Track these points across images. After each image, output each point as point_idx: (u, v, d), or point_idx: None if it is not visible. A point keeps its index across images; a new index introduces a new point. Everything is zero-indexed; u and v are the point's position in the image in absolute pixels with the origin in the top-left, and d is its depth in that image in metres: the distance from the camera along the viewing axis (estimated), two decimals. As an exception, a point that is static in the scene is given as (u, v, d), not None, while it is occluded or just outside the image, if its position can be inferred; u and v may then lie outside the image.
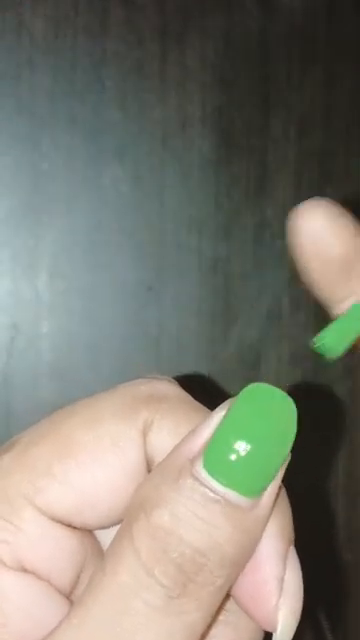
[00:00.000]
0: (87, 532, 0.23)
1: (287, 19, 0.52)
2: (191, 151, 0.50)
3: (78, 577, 0.22)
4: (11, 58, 0.48)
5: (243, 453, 0.19)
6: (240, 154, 0.51)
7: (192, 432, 0.20)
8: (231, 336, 0.51)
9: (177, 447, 0.20)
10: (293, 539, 0.21)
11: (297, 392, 0.57)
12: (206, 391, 0.50)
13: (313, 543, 0.52)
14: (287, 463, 0.20)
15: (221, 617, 0.22)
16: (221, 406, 0.20)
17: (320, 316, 0.53)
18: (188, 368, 0.51)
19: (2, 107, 0.48)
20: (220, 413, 0.20)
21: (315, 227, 0.22)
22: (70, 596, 0.22)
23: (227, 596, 0.21)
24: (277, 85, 0.52)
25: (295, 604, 0.21)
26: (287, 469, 0.20)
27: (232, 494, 0.19)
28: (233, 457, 0.19)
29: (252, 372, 0.51)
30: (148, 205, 0.50)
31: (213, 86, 0.51)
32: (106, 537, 0.23)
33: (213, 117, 0.51)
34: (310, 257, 0.22)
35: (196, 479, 0.19)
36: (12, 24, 0.48)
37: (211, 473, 0.19)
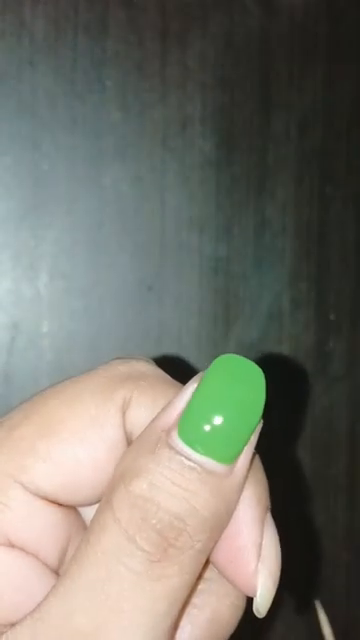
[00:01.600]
0: (72, 509, 0.24)
1: (288, 19, 0.52)
2: (192, 151, 0.50)
3: (64, 552, 0.23)
4: (11, 58, 0.48)
5: (216, 421, 0.20)
6: (241, 154, 0.51)
7: (167, 405, 0.21)
8: (231, 336, 0.51)
9: (153, 420, 0.21)
10: (269, 506, 0.22)
11: (297, 392, 0.57)
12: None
13: (313, 543, 0.52)
14: (259, 429, 0.21)
15: (202, 586, 0.23)
16: (193, 378, 0.21)
17: (320, 316, 0.54)
18: (188, 368, 0.51)
19: (2, 107, 0.48)
20: (193, 385, 0.21)
21: None
22: (58, 570, 0.23)
23: (207, 564, 0.22)
24: (278, 85, 0.52)
25: (273, 568, 0.21)
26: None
27: (208, 461, 0.20)
28: (207, 426, 0.20)
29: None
30: (148, 205, 0.50)
31: (214, 86, 0.51)
32: (90, 514, 0.24)
33: (214, 117, 0.51)
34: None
35: (172, 448, 0.20)
36: (12, 24, 0.48)
37: (187, 442, 0.20)
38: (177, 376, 0.24)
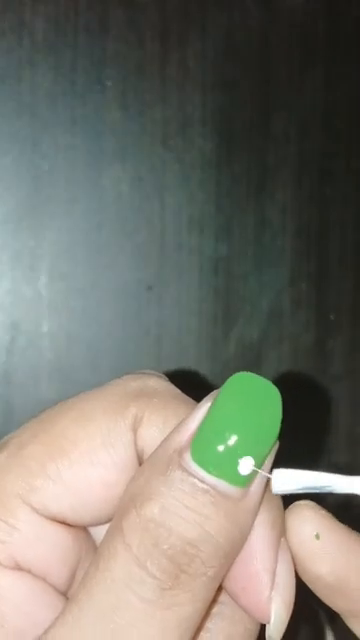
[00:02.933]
0: (81, 529, 0.23)
1: (287, 19, 0.52)
2: (191, 151, 0.50)
3: (74, 574, 0.23)
4: (12, 58, 0.48)
5: (230, 442, 0.19)
6: (240, 154, 0.51)
7: (180, 425, 0.20)
8: (231, 336, 0.51)
9: (165, 440, 0.20)
10: (284, 531, 0.21)
11: (297, 392, 0.57)
12: (203, 389, 0.50)
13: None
14: (275, 451, 0.20)
15: (215, 610, 0.22)
16: (207, 397, 0.20)
17: (320, 316, 0.54)
18: (188, 368, 0.51)
19: (3, 107, 0.48)
20: (206, 404, 0.20)
21: (304, 542, 0.21)
22: (66, 593, 0.23)
23: (221, 588, 0.21)
24: (277, 85, 0.52)
25: (287, 596, 0.21)
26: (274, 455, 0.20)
27: (221, 484, 0.19)
28: (221, 447, 0.19)
29: (252, 372, 0.51)
30: (148, 205, 0.50)
31: (213, 86, 0.51)
32: (100, 533, 0.23)
33: (213, 117, 0.51)
34: (301, 572, 0.22)
35: (185, 470, 0.19)
36: (13, 24, 0.48)
37: (199, 463, 0.19)
38: (189, 391, 0.23)
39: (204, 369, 0.50)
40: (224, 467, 0.19)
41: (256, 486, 0.20)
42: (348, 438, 0.53)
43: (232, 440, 0.19)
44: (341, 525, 0.22)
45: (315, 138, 0.53)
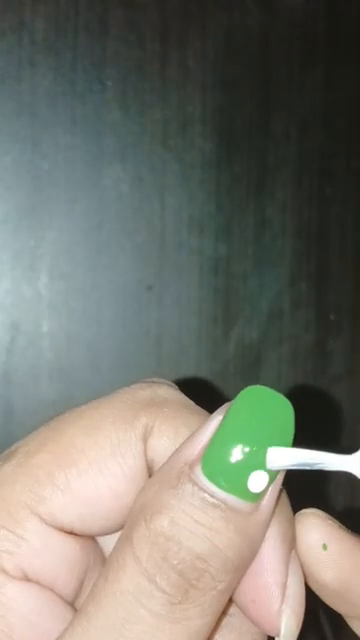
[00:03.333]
0: (90, 539, 0.23)
1: (288, 19, 0.52)
2: (192, 151, 0.50)
3: (82, 584, 0.22)
4: (12, 58, 0.48)
5: (242, 457, 0.19)
6: (241, 154, 0.51)
7: (190, 437, 0.20)
8: (231, 336, 0.51)
9: (176, 452, 0.20)
10: (295, 543, 0.21)
11: (297, 392, 0.57)
12: (206, 394, 0.50)
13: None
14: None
15: (224, 621, 0.22)
16: (219, 410, 0.20)
17: (320, 316, 0.54)
18: (188, 368, 0.51)
19: (3, 107, 0.48)
20: (218, 417, 0.20)
21: (311, 550, 0.21)
22: (74, 603, 0.22)
23: (230, 600, 0.21)
24: (277, 85, 0.52)
25: (297, 609, 0.21)
26: (286, 470, 0.20)
27: (232, 498, 0.19)
28: (232, 461, 0.19)
29: (252, 372, 0.51)
30: (149, 205, 0.50)
31: (214, 86, 0.51)
32: (109, 543, 0.23)
33: (214, 117, 0.51)
34: (308, 579, 0.22)
35: (195, 484, 0.19)
36: (13, 24, 0.48)
37: (210, 477, 0.19)
38: (200, 400, 0.23)
39: (204, 369, 0.50)
40: (235, 482, 0.19)
41: (267, 500, 0.20)
42: (348, 438, 0.53)
43: (244, 455, 0.19)
44: (347, 532, 0.22)
45: (315, 138, 0.53)
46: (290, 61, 0.52)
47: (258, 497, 0.20)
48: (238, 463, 0.19)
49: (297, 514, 0.22)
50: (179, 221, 0.50)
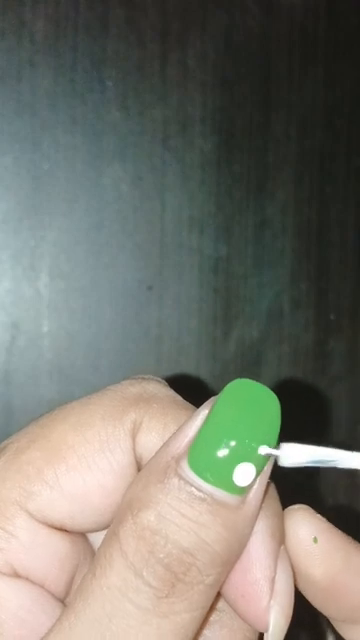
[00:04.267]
0: (80, 535, 0.23)
1: (288, 19, 0.52)
2: (192, 151, 0.50)
3: (72, 580, 0.22)
4: (12, 58, 0.48)
5: (227, 450, 0.19)
6: (241, 154, 0.51)
7: (177, 431, 0.20)
8: (231, 336, 0.51)
9: (163, 447, 0.20)
10: (284, 539, 0.21)
11: (297, 392, 0.57)
12: (202, 393, 0.50)
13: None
14: (273, 459, 0.20)
15: (214, 617, 0.22)
16: (205, 404, 0.20)
17: (320, 316, 0.54)
18: (188, 368, 0.51)
19: (3, 107, 0.48)
20: (204, 411, 0.20)
21: (301, 544, 0.21)
22: (64, 600, 0.22)
23: (219, 596, 0.21)
24: (278, 85, 0.52)
25: (286, 604, 0.21)
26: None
27: (218, 492, 0.19)
28: (218, 454, 0.19)
29: (252, 372, 0.51)
30: (149, 205, 0.50)
31: (214, 86, 0.51)
32: (99, 539, 0.23)
33: (214, 117, 0.51)
34: (297, 578, 0.22)
35: (182, 478, 0.19)
36: (13, 24, 0.48)
37: (197, 471, 0.19)
38: (190, 396, 0.23)
39: (204, 369, 0.50)
40: (221, 475, 0.19)
41: (254, 493, 0.20)
42: (348, 438, 0.53)
43: (229, 448, 0.19)
44: (336, 528, 0.22)
45: (315, 138, 0.53)
46: (290, 61, 0.52)
47: (245, 490, 0.20)
48: (224, 456, 0.19)
49: (286, 510, 0.22)
50: (179, 221, 0.50)
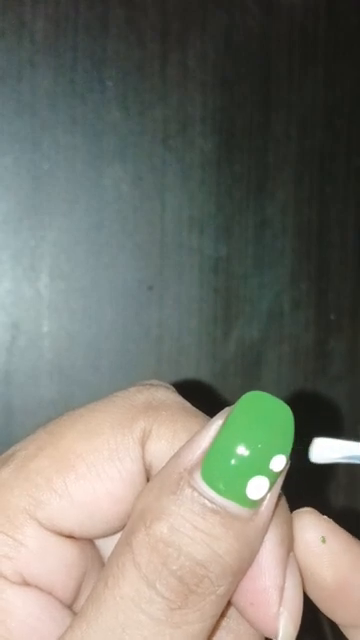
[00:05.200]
0: (87, 541, 0.23)
1: (288, 19, 0.52)
2: (192, 151, 0.50)
3: (80, 587, 0.23)
4: (12, 58, 0.48)
5: (242, 463, 0.19)
6: (241, 154, 0.51)
7: (190, 441, 0.20)
8: (232, 336, 0.51)
9: (175, 457, 0.20)
10: (293, 546, 0.21)
11: (297, 392, 0.57)
12: (203, 395, 0.50)
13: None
14: (285, 471, 0.20)
15: (222, 623, 0.22)
16: (219, 415, 0.20)
17: (320, 316, 0.54)
18: (189, 368, 0.51)
19: (3, 107, 0.48)
20: (218, 422, 0.20)
21: (310, 546, 0.21)
22: (72, 606, 0.23)
23: (228, 603, 0.21)
24: (278, 85, 0.52)
25: (295, 611, 0.21)
26: (289, 472, 0.20)
27: (231, 504, 0.19)
28: (232, 467, 0.19)
29: (252, 372, 0.51)
30: (149, 205, 0.50)
31: (214, 86, 0.51)
32: (106, 545, 0.23)
33: (214, 117, 0.51)
34: (305, 582, 0.22)
35: (195, 490, 0.19)
36: (13, 24, 0.48)
37: (210, 483, 0.19)
38: (197, 402, 0.23)
39: (204, 369, 0.50)
40: (235, 488, 0.19)
41: (267, 506, 0.20)
42: (348, 438, 0.53)
43: (243, 461, 0.19)
44: (343, 529, 0.22)
45: (315, 138, 0.53)
46: (290, 61, 0.52)
47: (257, 504, 0.20)
48: (238, 470, 0.19)
49: (293, 513, 0.22)
50: (179, 221, 0.50)
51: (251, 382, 0.50)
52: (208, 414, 0.22)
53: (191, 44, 0.50)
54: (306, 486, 0.51)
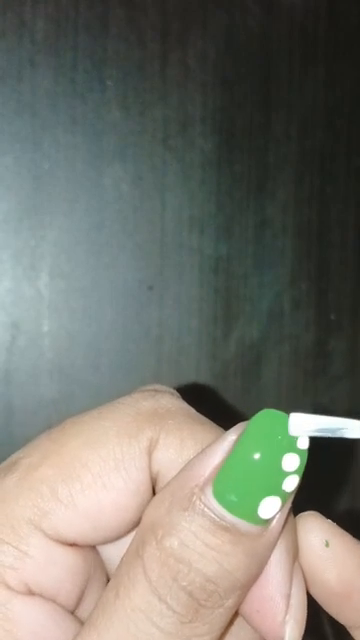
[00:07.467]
0: (90, 548, 0.23)
1: (288, 19, 0.52)
2: (192, 151, 0.50)
3: (83, 592, 0.23)
4: (12, 58, 0.48)
5: (254, 482, 0.19)
6: (241, 154, 0.51)
7: (202, 454, 0.20)
8: (232, 336, 0.51)
9: (187, 469, 0.20)
10: (298, 554, 0.21)
11: (297, 392, 0.57)
12: (205, 396, 0.50)
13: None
14: (296, 488, 0.20)
15: (227, 629, 0.22)
16: (232, 430, 0.20)
17: (320, 316, 0.54)
18: (189, 367, 0.51)
19: (3, 107, 0.48)
20: (232, 437, 0.20)
21: (314, 550, 0.22)
22: (75, 612, 0.23)
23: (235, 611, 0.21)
24: (278, 85, 0.52)
25: (300, 618, 0.21)
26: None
27: (242, 522, 0.19)
28: (244, 486, 0.19)
29: (253, 372, 0.51)
30: (149, 205, 0.50)
31: (214, 86, 0.51)
32: (108, 548, 0.23)
33: (214, 117, 0.51)
34: (310, 585, 0.22)
35: (206, 506, 0.19)
36: (13, 24, 0.48)
37: (221, 501, 0.19)
38: (197, 402, 0.23)
39: (204, 369, 0.50)
40: (246, 507, 0.19)
41: (277, 523, 0.20)
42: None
43: (256, 480, 0.19)
44: (347, 533, 0.22)
45: (316, 138, 0.53)
46: (291, 60, 0.52)
47: (268, 522, 0.20)
48: (250, 489, 0.19)
49: (297, 517, 0.22)
50: (179, 221, 0.50)
51: (251, 382, 0.50)
52: (208, 415, 0.22)
53: (191, 44, 0.50)
54: (309, 489, 0.51)
